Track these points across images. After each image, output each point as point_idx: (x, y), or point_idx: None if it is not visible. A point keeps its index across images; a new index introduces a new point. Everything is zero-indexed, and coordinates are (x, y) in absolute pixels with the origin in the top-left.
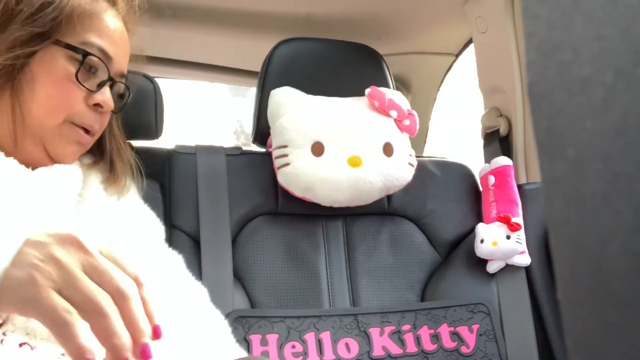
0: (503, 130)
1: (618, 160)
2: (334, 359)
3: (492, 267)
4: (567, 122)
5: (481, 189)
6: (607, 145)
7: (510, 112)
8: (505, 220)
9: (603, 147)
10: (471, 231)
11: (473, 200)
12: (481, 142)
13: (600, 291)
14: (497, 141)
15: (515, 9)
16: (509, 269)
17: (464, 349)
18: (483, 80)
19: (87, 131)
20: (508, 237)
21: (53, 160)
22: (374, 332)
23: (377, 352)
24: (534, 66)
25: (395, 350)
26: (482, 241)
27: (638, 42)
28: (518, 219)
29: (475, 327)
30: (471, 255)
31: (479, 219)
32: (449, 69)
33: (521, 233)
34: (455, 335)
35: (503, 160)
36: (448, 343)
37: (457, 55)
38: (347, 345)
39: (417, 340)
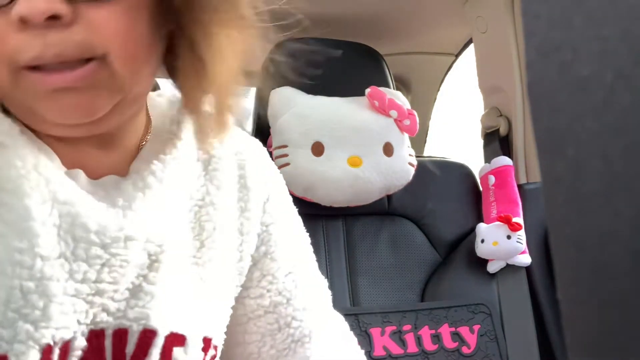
0: (503, 130)
1: (618, 160)
2: None
3: (492, 267)
4: (567, 122)
5: (481, 189)
6: (607, 145)
7: (510, 112)
8: (506, 220)
9: (603, 147)
10: (471, 231)
11: (473, 200)
12: (481, 142)
13: (600, 291)
14: (497, 141)
15: (515, 9)
16: (510, 268)
17: (464, 350)
18: (483, 80)
19: (84, 60)
20: (509, 237)
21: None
22: (375, 332)
23: (378, 352)
24: (534, 66)
25: (396, 350)
26: (482, 241)
27: (638, 42)
28: (518, 219)
29: (477, 327)
30: (471, 255)
31: (479, 218)
32: (449, 69)
33: (522, 233)
34: (456, 336)
35: (503, 160)
36: (449, 343)
37: (457, 55)
38: None
39: (418, 340)
